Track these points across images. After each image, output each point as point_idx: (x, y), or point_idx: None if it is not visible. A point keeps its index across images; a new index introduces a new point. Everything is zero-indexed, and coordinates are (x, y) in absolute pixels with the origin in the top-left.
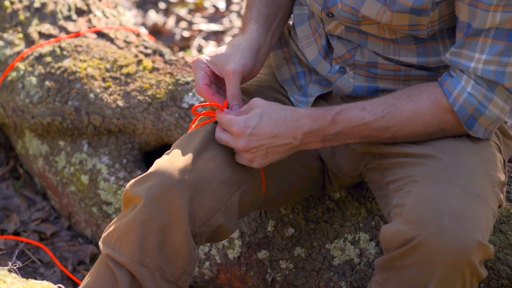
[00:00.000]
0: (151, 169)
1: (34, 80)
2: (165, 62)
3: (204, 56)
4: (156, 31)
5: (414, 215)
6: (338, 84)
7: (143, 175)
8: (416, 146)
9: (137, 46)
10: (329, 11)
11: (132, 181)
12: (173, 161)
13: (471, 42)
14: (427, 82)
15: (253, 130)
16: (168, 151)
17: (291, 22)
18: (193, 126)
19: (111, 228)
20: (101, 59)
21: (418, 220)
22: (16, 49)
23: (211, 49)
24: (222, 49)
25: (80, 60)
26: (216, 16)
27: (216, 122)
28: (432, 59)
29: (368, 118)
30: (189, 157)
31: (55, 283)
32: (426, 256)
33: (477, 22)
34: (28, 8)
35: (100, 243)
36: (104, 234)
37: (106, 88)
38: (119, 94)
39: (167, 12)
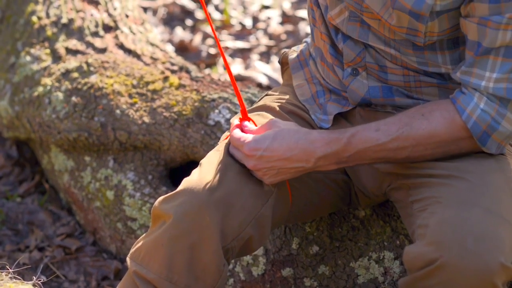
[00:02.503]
0: (180, 187)
1: (60, 95)
2: (192, 79)
3: None
4: (182, 48)
5: (437, 236)
6: (352, 88)
7: (172, 192)
8: (440, 167)
9: (163, 63)
10: None
11: (161, 198)
12: (201, 178)
13: (482, 61)
14: (439, 100)
15: (264, 152)
16: (196, 168)
17: (309, 40)
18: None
19: (139, 244)
20: (127, 75)
21: (441, 242)
22: (43, 64)
23: (237, 66)
24: None
25: (107, 76)
26: (242, 33)
27: None
28: (431, 64)
29: (383, 139)
30: (216, 173)
31: None
32: (449, 277)
33: (487, 41)
34: (55, 23)
35: (127, 259)
36: (132, 250)
37: (132, 104)
38: (145, 111)
39: (193, 29)
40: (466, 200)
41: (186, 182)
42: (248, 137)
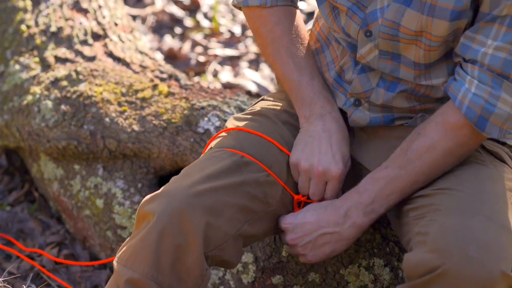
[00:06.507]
0: (165, 187)
1: (49, 104)
2: (181, 86)
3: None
4: (171, 56)
5: (439, 244)
6: (354, 118)
7: (157, 191)
8: (437, 181)
9: (152, 71)
10: (368, 28)
11: (147, 197)
12: (191, 180)
13: (486, 27)
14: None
15: (298, 221)
16: (184, 169)
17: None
18: (211, 145)
19: (125, 248)
20: (116, 83)
21: (443, 249)
22: (32, 73)
23: (226, 74)
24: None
25: (96, 85)
26: (231, 41)
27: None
28: None
29: (394, 173)
30: (208, 178)
31: None
32: (451, 285)
33: (496, 9)
34: (44, 32)
35: (114, 262)
36: (118, 254)
37: (122, 113)
38: (134, 119)
39: (182, 37)
40: (467, 208)
41: (173, 181)
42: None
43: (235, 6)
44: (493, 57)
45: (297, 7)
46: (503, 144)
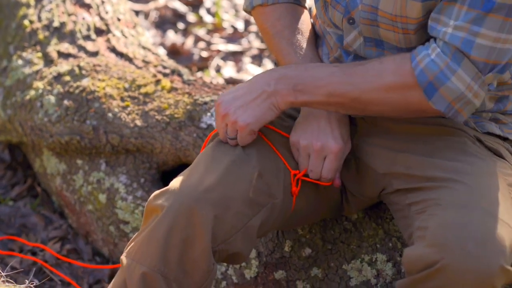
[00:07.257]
0: (174, 182)
1: (52, 99)
2: (184, 82)
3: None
4: (174, 51)
5: (438, 238)
6: None
7: (166, 187)
8: (438, 168)
9: (155, 66)
10: (351, 16)
11: (156, 192)
12: (198, 175)
13: (448, 7)
14: None
15: (229, 92)
16: (190, 166)
17: None
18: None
19: (133, 242)
20: (119, 78)
21: (442, 244)
22: (35, 68)
23: (229, 69)
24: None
25: (99, 80)
26: (234, 36)
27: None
28: None
29: (338, 72)
30: (215, 173)
31: None
32: (449, 280)
33: None
34: (47, 27)
35: (122, 257)
36: (126, 249)
37: (124, 108)
38: (137, 114)
39: (185, 32)
40: (466, 203)
41: (180, 178)
42: None
43: (245, 11)
44: (452, 36)
45: (301, 5)
46: (505, 139)
